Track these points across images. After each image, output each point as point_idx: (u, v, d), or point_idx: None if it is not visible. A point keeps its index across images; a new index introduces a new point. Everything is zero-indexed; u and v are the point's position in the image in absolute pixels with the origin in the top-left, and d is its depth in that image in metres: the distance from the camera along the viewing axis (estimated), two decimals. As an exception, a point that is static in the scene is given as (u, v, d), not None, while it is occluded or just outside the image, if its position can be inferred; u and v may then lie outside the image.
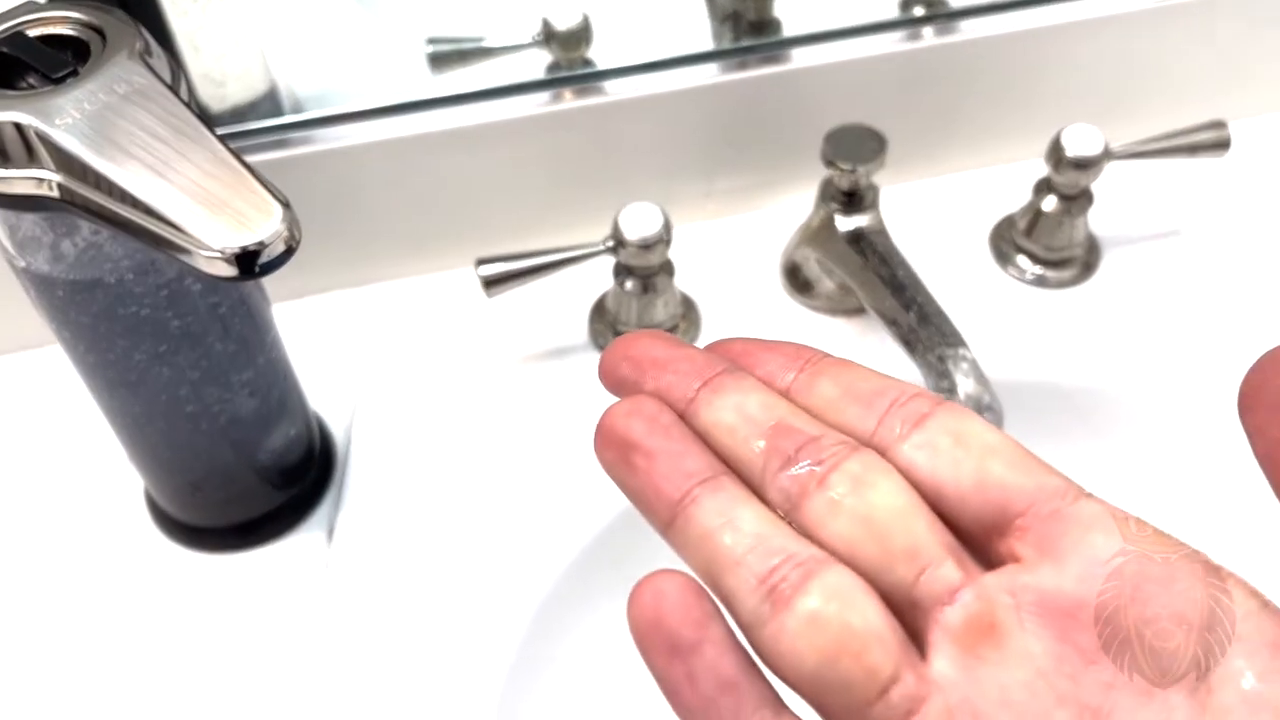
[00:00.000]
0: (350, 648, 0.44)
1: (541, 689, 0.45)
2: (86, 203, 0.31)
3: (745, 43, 0.58)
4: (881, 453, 0.24)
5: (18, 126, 0.31)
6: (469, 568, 0.46)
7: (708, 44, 0.60)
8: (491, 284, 0.47)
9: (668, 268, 0.49)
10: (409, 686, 0.43)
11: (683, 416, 0.25)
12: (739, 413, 0.24)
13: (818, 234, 0.50)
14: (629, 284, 0.50)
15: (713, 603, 0.23)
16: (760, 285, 0.55)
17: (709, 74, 0.56)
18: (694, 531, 0.23)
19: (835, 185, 0.49)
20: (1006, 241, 0.55)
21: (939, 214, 0.57)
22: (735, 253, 0.56)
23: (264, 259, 0.30)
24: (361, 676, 0.43)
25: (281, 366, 0.44)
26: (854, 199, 0.50)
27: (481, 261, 0.47)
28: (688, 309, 0.53)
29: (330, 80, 0.60)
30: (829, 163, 0.48)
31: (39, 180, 0.31)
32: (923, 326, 0.44)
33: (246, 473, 0.45)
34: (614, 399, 0.26)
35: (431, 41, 0.57)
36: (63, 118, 0.31)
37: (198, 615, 0.45)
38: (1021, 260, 0.55)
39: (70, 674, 0.44)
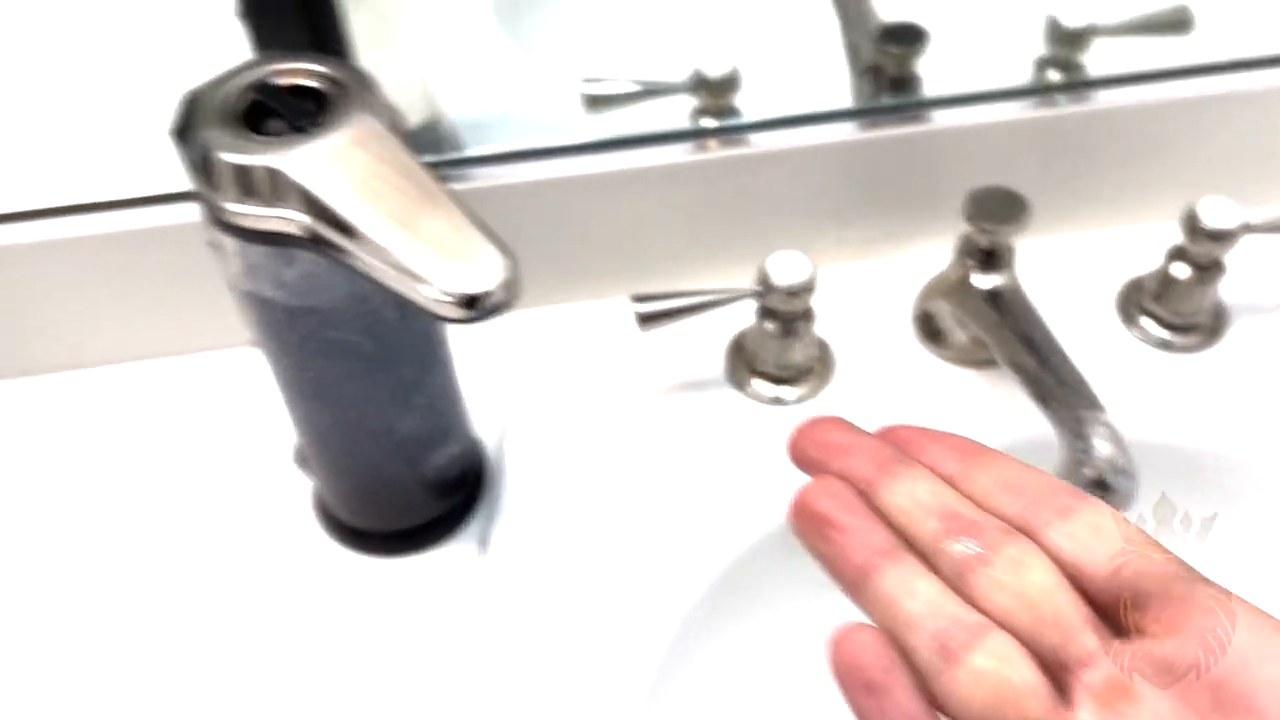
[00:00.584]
0: (499, 651, 0.47)
1: (683, 697, 0.48)
2: (326, 242, 0.35)
3: (884, 101, 0.61)
4: (1031, 537, 0.29)
5: (270, 170, 0.34)
6: (611, 582, 0.48)
7: (848, 93, 0.63)
8: (646, 320, 0.50)
9: (809, 314, 0.52)
10: (553, 689, 0.46)
11: (863, 496, 0.31)
12: (912, 498, 0.30)
13: (954, 289, 0.52)
14: (770, 325, 0.52)
15: (897, 652, 0.28)
16: (892, 333, 0.57)
17: (847, 130, 0.58)
18: (879, 595, 0.29)
19: (974, 243, 0.52)
20: (1134, 303, 0.57)
21: (1067, 271, 0.59)
22: (866, 299, 0.58)
23: (487, 305, 0.33)
24: (509, 678, 0.46)
25: (454, 392, 0.47)
26: (991, 257, 0.52)
27: (638, 299, 0.50)
28: (823, 352, 0.55)
29: (487, 115, 0.64)
30: (971, 222, 0.50)
31: (286, 220, 0.35)
32: (1060, 386, 0.46)
33: (413, 485, 0.48)
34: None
35: (588, 81, 0.60)
36: (309, 164, 0.34)
37: (356, 613, 0.49)
38: (1147, 323, 0.56)
39: (231, 664, 0.47)
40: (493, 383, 0.55)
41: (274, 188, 0.35)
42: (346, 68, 0.37)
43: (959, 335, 0.54)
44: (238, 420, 0.55)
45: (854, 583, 0.29)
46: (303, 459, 0.53)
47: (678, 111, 0.61)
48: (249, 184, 0.35)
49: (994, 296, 0.51)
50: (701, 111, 0.61)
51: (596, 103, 0.60)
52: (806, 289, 0.50)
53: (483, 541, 0.50)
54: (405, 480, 0.47)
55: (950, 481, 0.31)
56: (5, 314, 0.56)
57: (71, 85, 0.57)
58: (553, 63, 0.65)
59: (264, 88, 0.37)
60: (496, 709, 0.45)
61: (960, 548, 0.29)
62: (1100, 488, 0.43)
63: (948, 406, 0.54)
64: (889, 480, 0.31)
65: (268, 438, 0.53)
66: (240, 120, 0.36)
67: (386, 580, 0.49)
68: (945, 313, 0.54)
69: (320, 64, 0.37)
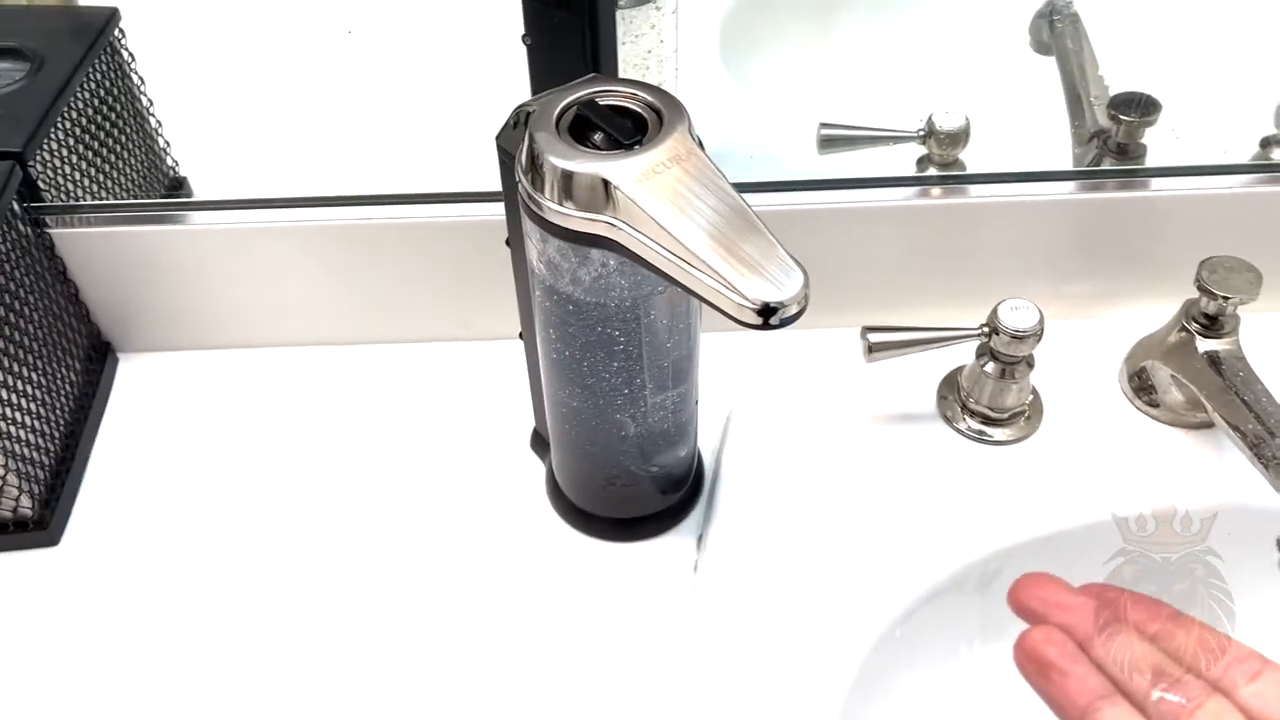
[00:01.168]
0: (700, 645, 0.50)
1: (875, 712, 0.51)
2: (638, 247, 0.39)
3: (1107, 165, 0.63)
4: (1226, 694, 0.35)
5: (596, 178, 0.39)
6: (811, 597, 0.51)
7: (1068, 151, 0.65)
8: (874, 350, 0.53)
9: (1030, 360, 0.54)
10: (746, 691, 0.49)
11: (1082, 647, 0.38)
12: (1126, 653, 0.37)
13: (1174, 350, 0.54)
14: (990, 367, 0.55)
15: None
16: (1103, 387, 0.59)
17: (1068, 189, 0.60)
18: None
19: (1200, 309, 0.53)
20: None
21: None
22: (1079, 352, 0.60)
23: (782, 315, 0.37)
24: (706, 672, 0.49)
25: (694, 398, 0.51)
26: (1216, 324, 0.53)
27: (869, 329, 0.54)
28: (1035, 398, 0.57)
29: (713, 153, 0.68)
30: (1201, 288, 0.52)
31: (607, 224, 0.39)
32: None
33: (646, 478, 0.52)
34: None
35: (824, 125, 0.64)
36: (635, 177, 0.39)
37: (578, 591, 0.53)
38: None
39: (458, 634, 0.52)
40: (719, 394, 0.59)
41: (597, 193, 0.39)
42: (662, 93, 0.42)
43: (1174, 396, 0.56)
44: (483, 404, 0.61)
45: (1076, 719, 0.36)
46: (539, 444, 0.57)
47: (903, 159, 0.65)
48: (571, 189, 0.39)
49: (1215, 360, 0.53)
50: (927, 160, 0.64)
51: (830, 144, 0.64)
52: (1034, 335, 0.52)
53: (699, 540, 0.54)
54: (639, 472, 0.51)
55: (1154, 640, 0.38)
56: (295, 288, 0.63)
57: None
58: (775, 105, 0.70)
59: (590, 104, 0.41)
60: (688, 699, 0.48)
61: (1170, 698, 0.36)
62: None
63: (1156, 465, 0.55)
64: (1104, 638, 0.38)
65: (508, 423, 0.59)
66: (567, 132, 0.41)
67: (608, 563, 0.53)
68: (1162, 373, 0.55)
69: (639, 89, 0.42)
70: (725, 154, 0.70)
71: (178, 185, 0.69)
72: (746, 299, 0.37)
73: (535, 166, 0.40)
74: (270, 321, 0.64)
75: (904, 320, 0.63)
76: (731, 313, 0.37)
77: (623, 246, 0.39)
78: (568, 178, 0.39)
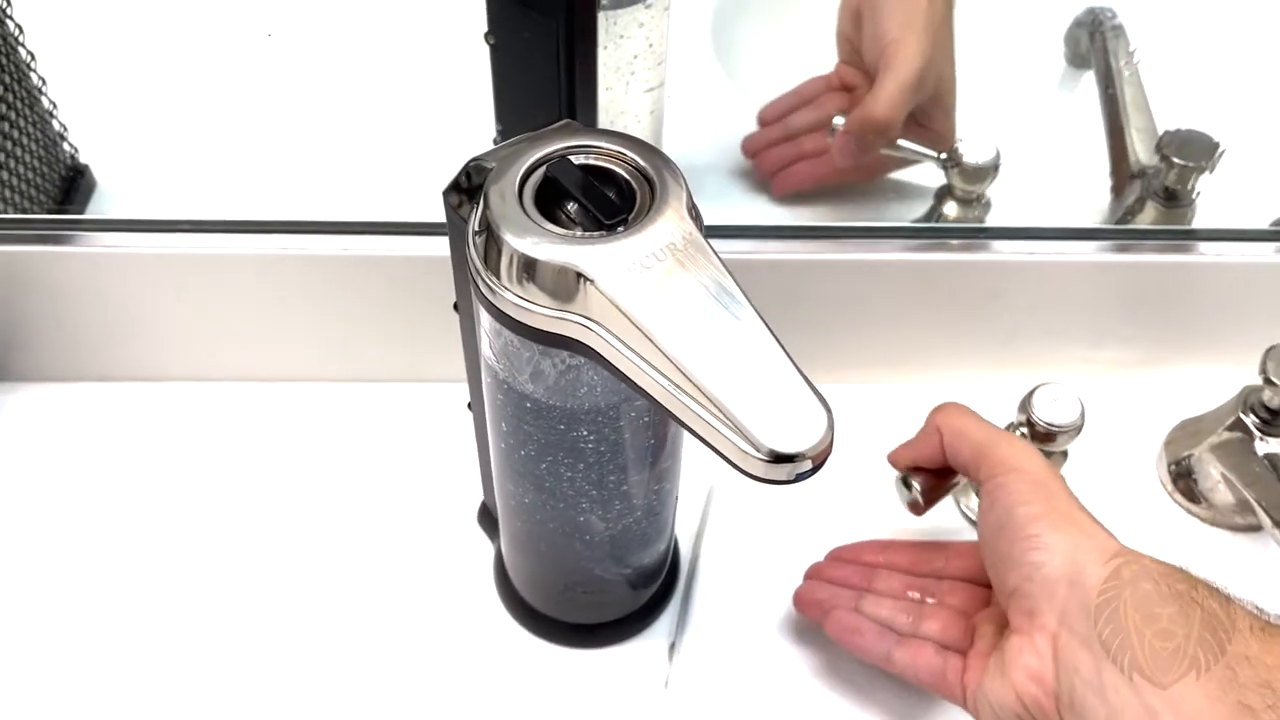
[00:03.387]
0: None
1: None
2: (618, 360, 0.30)
3: (1150, 209, 0.55)
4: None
5: (568, 270, 0.30)
6: (809, 703, 0.44)
7: (1105, 194, 0.57)
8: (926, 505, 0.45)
9: (1065, 452, 0.47)
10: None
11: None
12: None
13: (1228, 446, 0.47)
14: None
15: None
16: (1136, 473, 0.52)
17: (1103, 249, 0.53)
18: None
19: (1261, 400, 0.46)
20: None
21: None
22: (1109, 428, 0.52)
23: (799, 469, 0.29)
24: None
25: (674, 493, 0.43)
26: (1278, 418, 0.46)
27: (908, 477, 0.45)
28: (1061, 487, 0.50)
29: (700, 157, 0.60)
30: (1268, 381, 0.45)
31: (583, 327, 0.30)
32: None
33: (616, 581, 0.44)
34: None
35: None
36: (620, 272, 0.30)
37: (523, 706, 0.45)
38: None
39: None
40: (699, 467, 0.51)
41: (568, 287, 0.30)
42: (655, 155, 0.33)
43: (1222, 495, 0.48)
44: (420, 458, 0.52)
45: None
46: (487, 521, 0.49)
47: (927, 179, 0.57)
48: (536, 275, 0.31)
49: (1276, 464, 0.46)
50: (947, 191, 0.56)
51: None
52: (1073, 430, 0.45)
53: (670, 648, 0.46)
54: (606, 576, 0.43)
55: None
56: (209, 318, 0.54)
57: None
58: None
59: (562, 165, 0.32)
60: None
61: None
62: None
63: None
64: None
65: (453, 487, 0.50)
66: (532, 200, 0.32)
67: (562, 672, 0.45)
68: (1211, 469, 0.48)
69: (627, 147, 0.33)
70: (717, 164, 0.62)
71: (78, 173, 0.59)
72: (754, 445, 0.29)
73: (490, 241, 0.31)
74: (181, 353, 0.55)
75: (917, 378, 0.55)
76: (734, 459, 0.29)
77: (597, 354, 0.31)
78: (530, 263, 0.31)
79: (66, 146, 0.58)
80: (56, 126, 0.57)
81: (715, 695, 0.44)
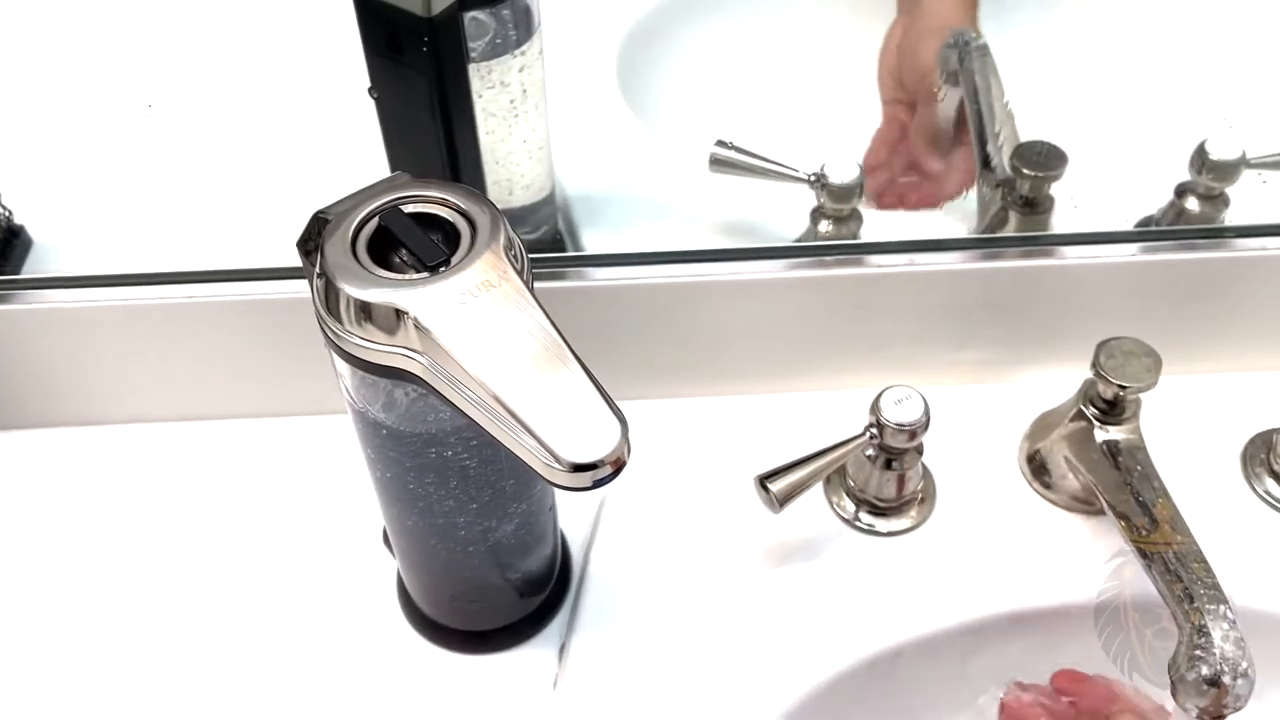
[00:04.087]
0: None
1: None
2: (443, 386, 0.34)
3: (1012, 217, 0.59)
4: None
5: (394, 309, 0.34)
6: (692, 704, 0.47)
7: (972, 204, 0.61)
8: (783, 503, 0.48)
9: (919, 448, 0.50)
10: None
11: None
12: None
13: (1072, 436, 0.50)
14: (871, 453, 0.51)
15: None
16: (999, 468, 0.55)
17: (971, 257, 0.56)
18: None
19: (1099, 393, 0.49)
20: (1259, 461, 0.54)
21: (1190, 416, 0.56)
22: (975, 425, 0.56)
23: (598, 476, 0.32)
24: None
25: (550, 496, 0.46)
26: (1115, 408, 0.49)
27: (766, 478, 0.48)
28: (927, 481, 0.53)
29: (603, 189, 0.63)
30: (1099, 374, 0.48)
31: (406, 357, 0.34)
32: (1182, 567, 0.44)
33: (502, 588, 0.48)
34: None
35: (720, 144, 0.59)
36: (438, 309, 0.34)
37: (429, 708, 0.48)
38: (1271, 483, 0.53)
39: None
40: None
41: (396, 325, 0.34)
42: (477, 199, 0.37)
43: (1070, 482, 0.52)
44: (325, 488, 0.56)
45: None
46: (388, 542, 0.53)
47: (798, 202, 0.60)
48: (370, 316, 0.35)
49: (1113, 450, 0.49)
50: (820, 211, 0.60)
51: (719, 164, 0.59)
52: (920, 427, 0.48)
53: (560, 650, 0.49)
54: (492, 584, 0.47)
55: None
56: (112, 365, 0.58)
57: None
58: (670, 133, 0.64)
59: (393, 214, 0.36)
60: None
61: None
62: (1213, 685, 0.41)
63: (1050, 553, 0.52)
64: None
65: (355, 511, 0.54)
66: (366, 248, 0.36)
67: (458, 677, 0.49)
68: (1059, 457, 0.52)
69: (450, 193, 0.37)
70: (616, 194, 0.66)
71: (13, 234, 0.63)
72: (555, 457, 0.32)
73: (329, 287, 0.35)
74: (108, 398, 0.59)
75: (792, 387, 0.59)
76: (541, 471, 0.33)
77: (427, 384, 0.35)
78: (363, 306, 0.34)
79: (1, 209, 0.62)
80: (-12, 191, 0.61)
81: (602, 695, 0.48)
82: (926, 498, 0.53)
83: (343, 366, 0.38)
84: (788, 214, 0.62)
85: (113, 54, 0.62)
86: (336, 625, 0.51)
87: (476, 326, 0.34)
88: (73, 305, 0.55)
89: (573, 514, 0.53)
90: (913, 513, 0.53)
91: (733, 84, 0.67)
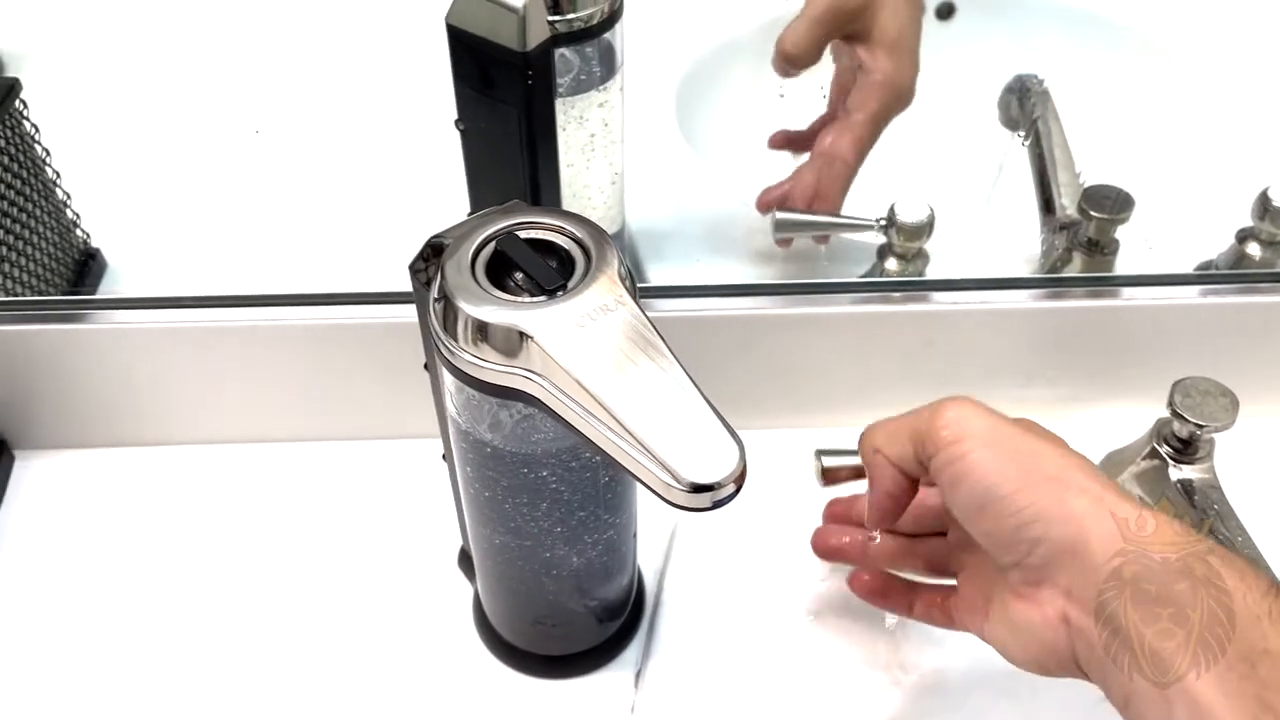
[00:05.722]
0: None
1: None
2: (559, 407, 0.35)
3: (1077, 259, 0.60)
4: None
5: (513, 330, 0.35)
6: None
7: (1036, 242, 0.62)
8: (827, 475, 0.49)
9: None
10: None
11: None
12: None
13: (1145, 474, 0.51)
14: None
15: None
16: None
17: (1034, 297, 0.57)
18: None
19: (1173, 431, 0.50)
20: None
21: (1260, 457, 0.57)
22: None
23: (718, 496, 0.33)
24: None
25: (633, 527, 0.47)
26: (1189, 448, 0.50)
27: (823, 453, 0.50)
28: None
29: (663, 221, 0.64)
30: (1175, 413, 0.49)
31: (524, 378, 0.35)
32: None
33: (583, 614, 0.48)
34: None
35: (780, 211, 0.60)
36: (559, 331, 0.35)
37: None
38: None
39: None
40: (659, 513, 0.55)
41: (518, 346, 0.35)
42: (591, 228, 0.38)
43: (1143, 520, 0.52)
44: (401, 512, 0.56)
45: None
46: (466, 564, 0.53)
47: (865, 247, 0.61)
48: (488, 337, 0.35)
49: (1188, 489, 0.50)
50: (888, 249, 0.61)
51: (785, 228, 0.60)
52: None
53: (636, 676, 0.50)
54: (573, 610, 0.47)
55: None
56: (184, 386, 0.59)
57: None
58: (734, 175, 0.66)
59: (510, 240, 0.37)
60: None
61: None
62: None
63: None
64: None
65: (431, 534, 0.54)
66: (484, 271, 0.37)
67: (536, 702, 0.49)
68: (1131, 494, 0.52)
69: (567, 222, 0.38)
70: (679, 230, 0.67)
71: (90, 257, 0.64)
72: (676, 477, 0.33)
73: (448, 308, 0.36)
74: (182, 419, 0.59)
75: (859, 421, 0.59)
76: (659, 491, 0.33)
77: (542, 403, 0.35)
78: (481, 326, 0.35)
79: (79, 233, 0.64)
80: (70, 215, 0.63)
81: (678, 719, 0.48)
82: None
83: (452, 385, 0.39)
84: (850, 250, 0.63)
85: (177, 83, 0.64)
86: (414, 649, 0.51)
87: (596, 349, 0.34)
88: (145, 326, 0.56)
89: (645, 543, 0.54)
90: (984, 548, 0.53)
91: (783, 124, 0.69)
